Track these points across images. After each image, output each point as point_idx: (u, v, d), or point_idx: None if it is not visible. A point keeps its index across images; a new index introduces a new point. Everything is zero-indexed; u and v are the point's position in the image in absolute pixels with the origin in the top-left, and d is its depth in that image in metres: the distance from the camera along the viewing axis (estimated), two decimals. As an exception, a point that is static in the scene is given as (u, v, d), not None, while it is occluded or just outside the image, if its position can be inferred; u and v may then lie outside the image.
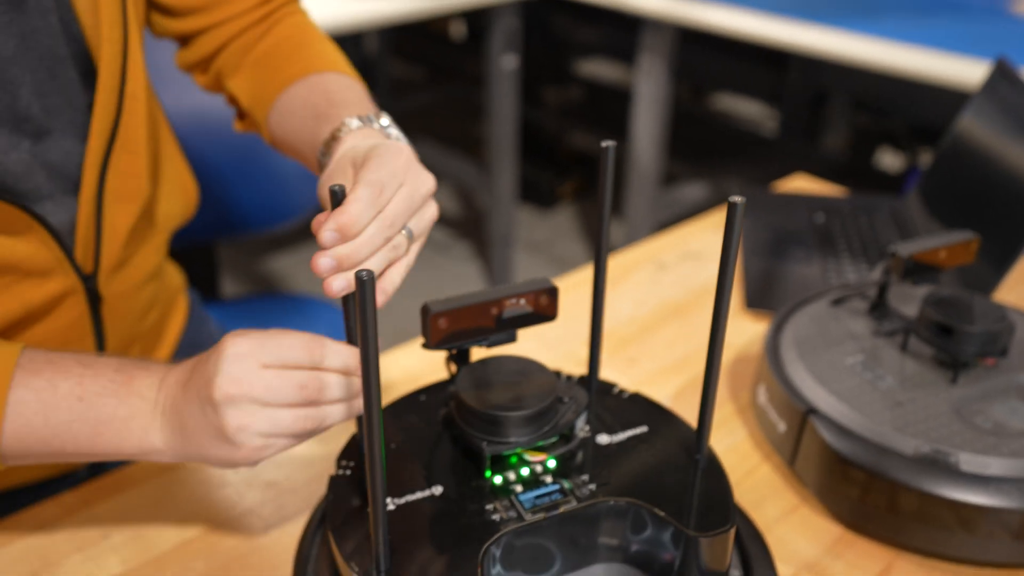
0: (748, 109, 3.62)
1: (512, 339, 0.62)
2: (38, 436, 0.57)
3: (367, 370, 0.45)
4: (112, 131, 0.70)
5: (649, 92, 2.45)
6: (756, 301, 1.06)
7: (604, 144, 0.58)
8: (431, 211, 0.60)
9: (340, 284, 0.54)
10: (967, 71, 1.68)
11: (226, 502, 0.76)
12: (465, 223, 3.07)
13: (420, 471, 0.60)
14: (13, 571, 0.69)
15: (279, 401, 0.55)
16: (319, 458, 0.82)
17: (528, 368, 0.62)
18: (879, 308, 0.87)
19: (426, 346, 0.61)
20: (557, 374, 0.67)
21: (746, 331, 1.02)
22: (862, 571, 0.71)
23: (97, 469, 0.86)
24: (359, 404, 0.58)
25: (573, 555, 0.59)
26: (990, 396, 0.76)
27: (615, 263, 1.17)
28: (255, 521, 0.74)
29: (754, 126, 3.35)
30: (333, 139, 0.69)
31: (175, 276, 0.94)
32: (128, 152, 0.72)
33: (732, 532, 0.57)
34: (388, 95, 3.53)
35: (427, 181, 0.59)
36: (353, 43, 3.24)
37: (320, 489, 0.77)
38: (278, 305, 1.63)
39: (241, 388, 0.54)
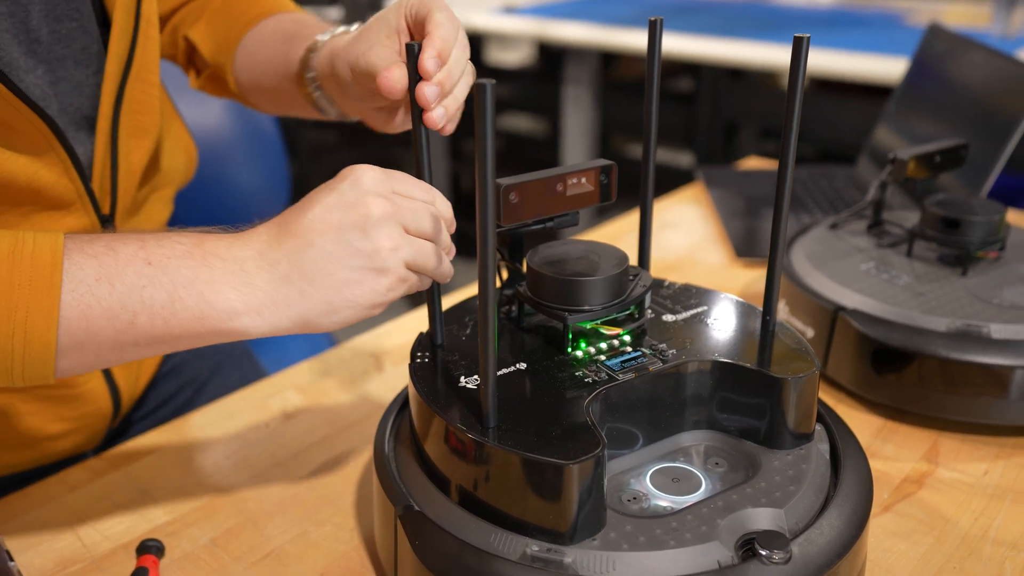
0: (658, 154, 3.75)
1: (575, 221, 0.62)
2: (104, 307, 0.49)
3: (484, 177, 0.45)
4: (128, 56, 0.68)
5: (576, 123, 2.53)
6: (745, 251, 1.09)
7: (652, 19, 0.61)
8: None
9: (440, 112, 0.56)
10: (877, 67, 1.80)
11: (265, 453, 0.73)
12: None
13: (498, 354, 0.59)
14: (47, 530, 0.64)
15: (418, 229, 0.53)
16: (345, 411, 0.79)
17: (594, 246, 0.63)
18: (877, 226, 0.91)
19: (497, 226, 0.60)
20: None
21: (741, 277, 1.05)
22: (910, 450, 0.73)
23: (111, 442, 0.81)
24: (448, 267, 0.57)
25: (660, 426, 0.59)
26: (999, 284, 0.80)
27: (598, 235, 1.19)
28: (303, 464, 0.71)
29: (670, 163, 3.48)
30: (310, 52, 0.70)
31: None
32: (142, 81, 0.70)
33: (818, 375, 0.58)
34: (308, 159, 3.53)
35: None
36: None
37: (368, 429, 0.75)
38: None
39: (394, 207, 0.52)
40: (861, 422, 0.77)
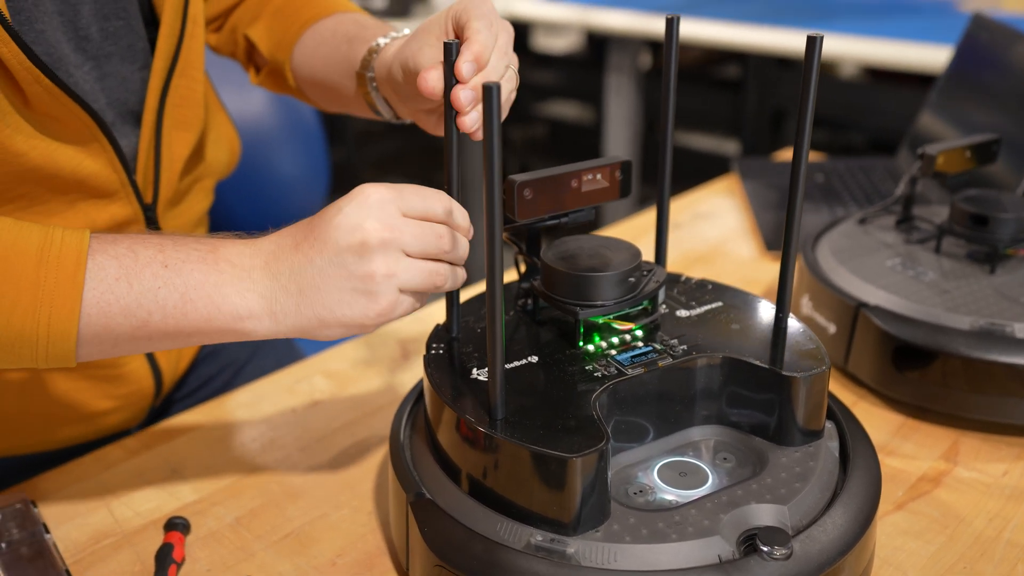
0: (704, 141, 3.72)
1: (590, 217, 0.63)
2: (122, 305, 0.53)
3: (490, 178, 0.46)
4: (175, 52, 0.71)
5: (619, 111, 2.52)
6: (776, 243, 1.09)
7: (668, 17, 0.61)
8: (515, 58, 0.63)
9: (475, 116, 0.56)
10: (928, 56, 1.76)
11: (291, 436, 0.75)
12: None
13: (511, 347, 0.60)
14: (83, 505, 0.67)
15: (421, 251, 0.54)
16: (371, 397, 0.81)
17: (608, 241, 0.64)
18: (906, 221, 0.90)
19: (510, 223, 0.62)
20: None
21: (770, 270, 1.05)
22: (929, 449, 0.73)
23: (155, 419, 0.84)
24: (462, 273, 0.59)
25: (670, 420, 0.60)
26: (1028, 282, 0.79)
27: (630, 225, 1.19)
28: (327, 448, 0.73)
29: (715, 151, 3.45)
30: (372, 53, 0.72)
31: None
32: (187, 77, 0.73)
33: (828, 373, 0.58)
34: (355, 145, 3.57)
35: (511, 26, 0.62)
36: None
37: (390, 417, 0.77)
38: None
39: (393, 234, 0.53)
40: (881, 419, 0.76)
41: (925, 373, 0.74)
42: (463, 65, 0.56)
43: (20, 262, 0.52)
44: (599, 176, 0.62)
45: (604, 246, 0.63)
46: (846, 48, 1.91)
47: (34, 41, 0.62)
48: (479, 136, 0.59)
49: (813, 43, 0.54)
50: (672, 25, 0.61)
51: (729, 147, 3.40)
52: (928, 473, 0.70)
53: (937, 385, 0.74)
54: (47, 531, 0.63)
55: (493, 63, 0.58)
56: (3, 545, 0.62)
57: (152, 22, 0.73)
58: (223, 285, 0.54)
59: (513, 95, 0.63)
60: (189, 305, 0.54)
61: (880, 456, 0.70)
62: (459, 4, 0.61)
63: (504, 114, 0.60)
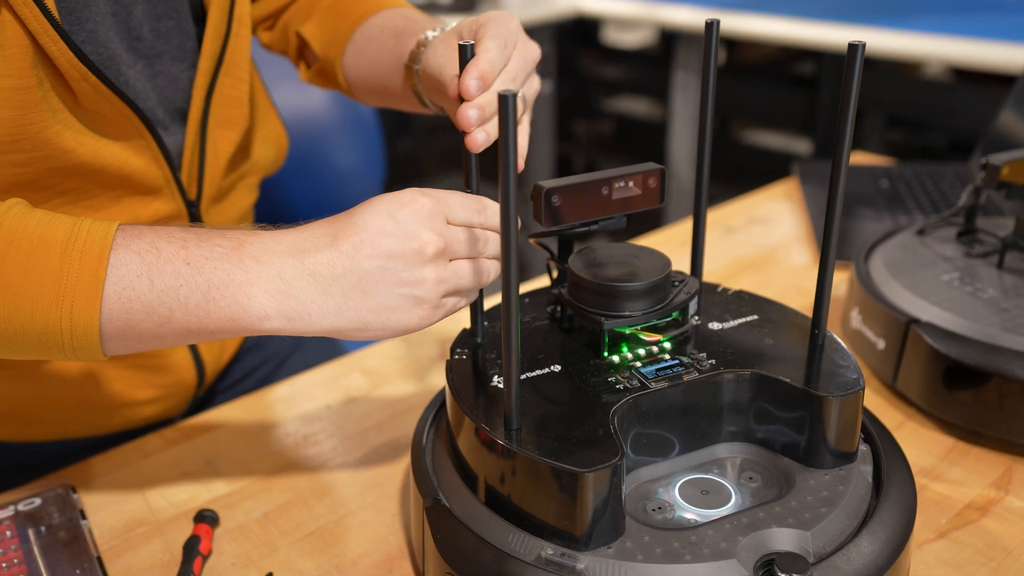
0: (775, 140, 3.63)
1: (622, 225, 0.62)
2: (143, 302, 0.52)
3: (506, 185, 0.45)
4: (221, 53, 0.72)
5: (685, 108, 2.48)
6: (832, 252, 1.05)
7: (708, 20, 0.59)
8: (537, 81, 0.62)
9: (482, 136, 0.56)
10: (1015, 55, 1.68)
11: (324, 433, 0.76)
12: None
13: (535, 355, 0.60)
14: (121, 492, 0.69)
15: (465, 254, 0.55)
16: (406, 397, 0.81)
17: (638, 251, 0.62)
18: (968, 233, 0.86)
19: (536, 234, 0.61)
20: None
21: (825, 280, 1.01)
22: (980, 475, 0.69)
23: (198, 409, 0.86)
24: (488, 271, 0.58)
25: (695, 436, 0.58)
26: (1095, 301, 0.75)
27: (681, 229, 1.17)
28: (358, 446, 0.74)
29: (787, 151, 3.36)
30: (420, 46, 0.71)
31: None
32: (232, 76, 0.74)
33: (862, 394, 0.56)
34: (423, 138, 3.60)
35: (535, 48, 0.61)
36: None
37: (415, 421, 0.77)
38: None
39: (447, 243, 0.54)
40: (931, 441, 0.73)
41: (978, 395, 0.71)
42: (470, 82, 0.56)
43: (45, 255, 0.52)
44: (631, 184, 0.60)
45: (634, 255, 0.61)
46: (929, 47, 1.83)
47: (84, 40, 0.63)
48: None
49: (855, 50, 0.52)
50: (711, 29, 0.59)
51: (801, 146, 3.31)
52: (976, 501, 0.67)
53: (992, 408, 0.70)
54: (84, 517, 0.65)
55: (498, 85, 0.58)
56: (42, 529, 0.64)
57: (201, 21, 0.74)
58: (249, 284, 0.53)
59: (525, 121, 0.62)
60: (212, 304, 0.53)
61: (925, 480, 0.68)
62: (482, 17, 0.61)
63: (523, 147, 0.60)
